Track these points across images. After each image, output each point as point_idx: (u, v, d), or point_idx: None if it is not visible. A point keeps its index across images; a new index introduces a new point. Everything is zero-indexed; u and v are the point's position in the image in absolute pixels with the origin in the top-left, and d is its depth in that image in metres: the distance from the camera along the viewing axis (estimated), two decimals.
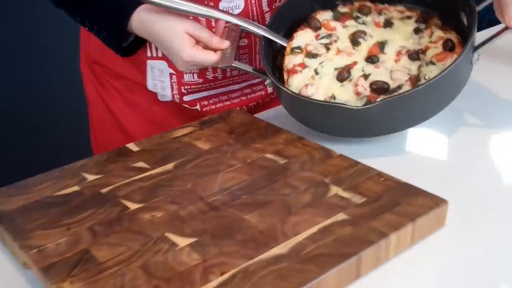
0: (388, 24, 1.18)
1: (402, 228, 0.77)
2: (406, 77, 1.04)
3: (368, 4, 1.29)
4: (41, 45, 2.46)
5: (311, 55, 1.12)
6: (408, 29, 1.17)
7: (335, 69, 1.08)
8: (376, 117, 1.03)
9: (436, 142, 1.15)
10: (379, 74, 1.06)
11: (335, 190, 0.89)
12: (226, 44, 1.10)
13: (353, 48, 1.13)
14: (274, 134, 1.14)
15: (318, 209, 0.83)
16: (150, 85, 1.25)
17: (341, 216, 0.82)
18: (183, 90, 1.32)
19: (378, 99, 1.00)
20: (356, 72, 1.07)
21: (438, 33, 1.14)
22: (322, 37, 1.16)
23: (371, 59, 1.09)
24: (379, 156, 1.09)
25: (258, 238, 0.77)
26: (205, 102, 1.36)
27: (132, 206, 0.86)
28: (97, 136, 1.47)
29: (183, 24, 1.07)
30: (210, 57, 1.08)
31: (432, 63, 1.06)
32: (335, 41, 1.14)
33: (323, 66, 1.10)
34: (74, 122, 1.80)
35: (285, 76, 1.09)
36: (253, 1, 1.18)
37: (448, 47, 1.08)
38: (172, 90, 1.32)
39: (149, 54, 1.22)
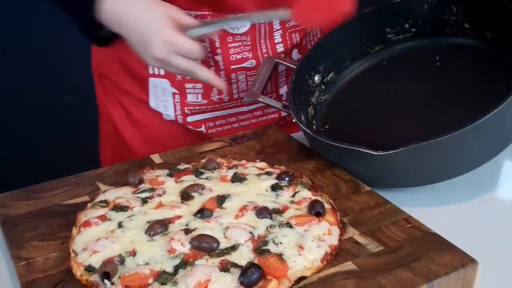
0: (237, 179, 0.98)
1: None
2: (246, 237, 0.82)
3: (219, 160, 1.07)
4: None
5: (119, 208, 0.90)
6: (263, 184, 0.96)
7: (148, 222, 0.87)
8: (402, 165, 0.88)
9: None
10: (208, 229, 0.84)
11: (351, 232, 0.82)
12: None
13: (182, 202, 0.92)
14: (304, 159, 1.08)
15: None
16: (153, 104, 1.17)
17: (348, 266, 0.76)
18: (186, 111, 1.17)
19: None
20: (176, 227, 0.85)
21: (305, 193, 0.93)
22: (142, 191, 0.96)
23: (202, 213, 0.88)
24: (418, 199, 0.95)
25: None
26: (211, 124, 1.24)
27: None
28: (104, 149, 1.33)
29: (163, 7, 0.95)
30: (195, 46, 0.94)
31: (288, 225, 0.85)
32: (160, 195, 0.94)
33: (132, 219, 0.88)
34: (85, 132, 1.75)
35: (74, 233, 0.86)
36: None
37: (315, 211, 0.86)
38: (175, 110, 1.17)
39: (151, 71, 1.13)
